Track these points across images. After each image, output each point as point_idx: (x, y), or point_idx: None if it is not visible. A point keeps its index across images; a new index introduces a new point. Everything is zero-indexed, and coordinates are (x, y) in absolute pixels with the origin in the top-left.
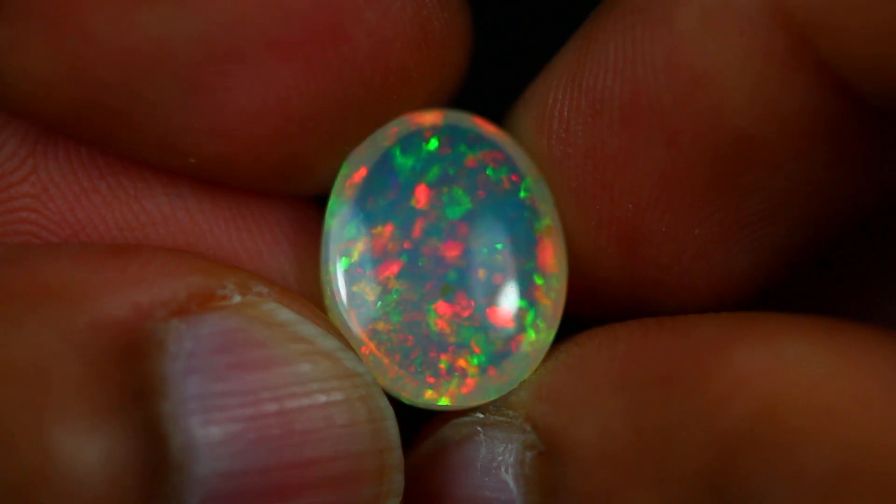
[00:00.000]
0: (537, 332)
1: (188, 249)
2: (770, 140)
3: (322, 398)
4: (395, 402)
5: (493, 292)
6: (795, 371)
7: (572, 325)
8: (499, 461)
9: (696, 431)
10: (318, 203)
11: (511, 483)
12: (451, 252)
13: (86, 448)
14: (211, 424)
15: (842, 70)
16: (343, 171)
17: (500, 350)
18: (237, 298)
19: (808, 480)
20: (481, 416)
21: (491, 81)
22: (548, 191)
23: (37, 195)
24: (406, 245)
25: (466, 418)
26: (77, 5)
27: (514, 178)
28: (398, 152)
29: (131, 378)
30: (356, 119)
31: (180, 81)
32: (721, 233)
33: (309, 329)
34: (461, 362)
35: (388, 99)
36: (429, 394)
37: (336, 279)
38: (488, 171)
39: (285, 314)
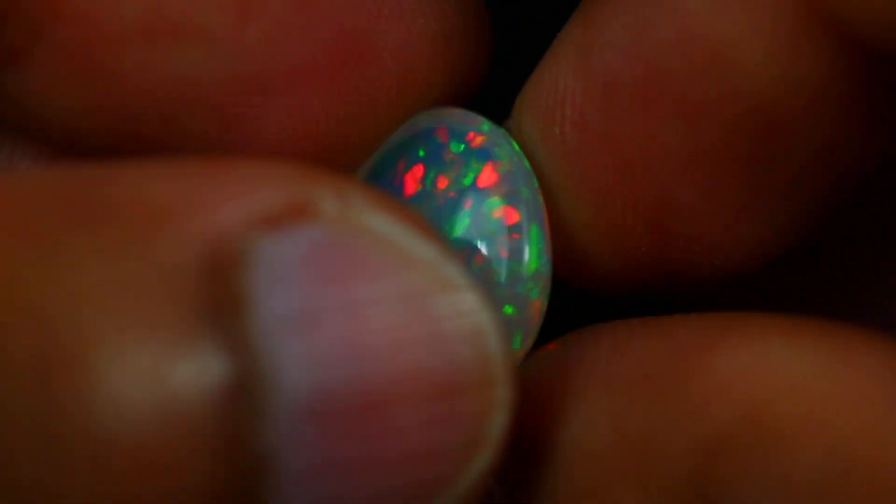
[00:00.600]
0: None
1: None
2: (795, 112)
3: (425, 310)
4: None
5: None
6: (780, 373)
7: (561, 326)
8: None
9: (678, 434)
10: None
11: (492, 484)
12: None
13: (178, 365)
14: (303, 340)
15: (854, 26)
16: None
17: None
18: (333, 209)
19: (794, 485)
20: None
21: (513, 92)
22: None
23: None
24: None
25: None
26: (104, 49)
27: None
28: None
29: (221, 294)
30: (380, 135)
31: (212, 115)
32: (749, 202)
33: (411, 240)
34: None
35: (410, 113)
36: None
37: None
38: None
39: (385, 225)
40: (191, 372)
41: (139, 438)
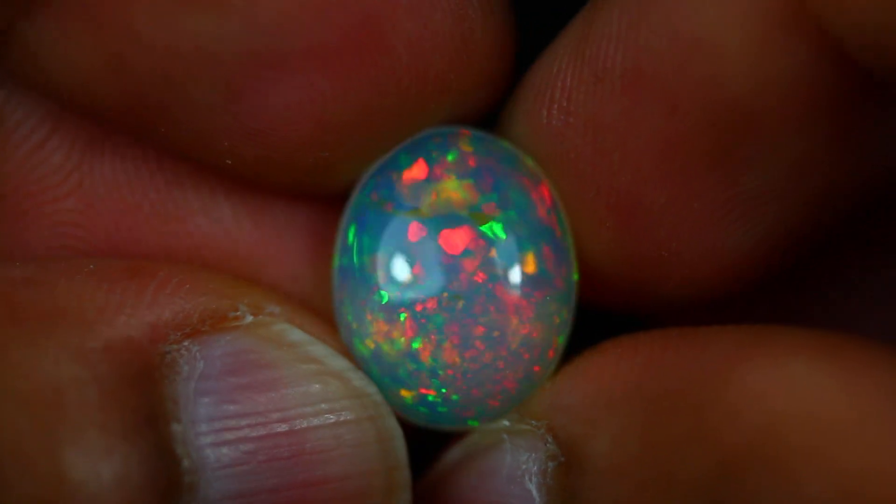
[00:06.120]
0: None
1: (207, 265)
2: (770, 109)
3: (331, 418)
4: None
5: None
6: (800, 390)
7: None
8: (523, 470)
9: (700, 446)
10: (342, 200)
11: (534, 492)
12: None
13: (100, 470)
14: (222, 445)
15: (843, 40)
16: (360, 191)
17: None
18: (249, 319)
19: (807, 502)
20: (507, 423)
21: None
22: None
23: (82, 210)
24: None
25: (493, 426)
26: (121, 4)
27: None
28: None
29: (144, 400)
30: (391, 126)
31: (220, 84)
32: (720, 208)
33: (319, 349)
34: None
35: (425, 108)
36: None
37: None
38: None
39: (296, 334)
40: (114, 473)
41: None
